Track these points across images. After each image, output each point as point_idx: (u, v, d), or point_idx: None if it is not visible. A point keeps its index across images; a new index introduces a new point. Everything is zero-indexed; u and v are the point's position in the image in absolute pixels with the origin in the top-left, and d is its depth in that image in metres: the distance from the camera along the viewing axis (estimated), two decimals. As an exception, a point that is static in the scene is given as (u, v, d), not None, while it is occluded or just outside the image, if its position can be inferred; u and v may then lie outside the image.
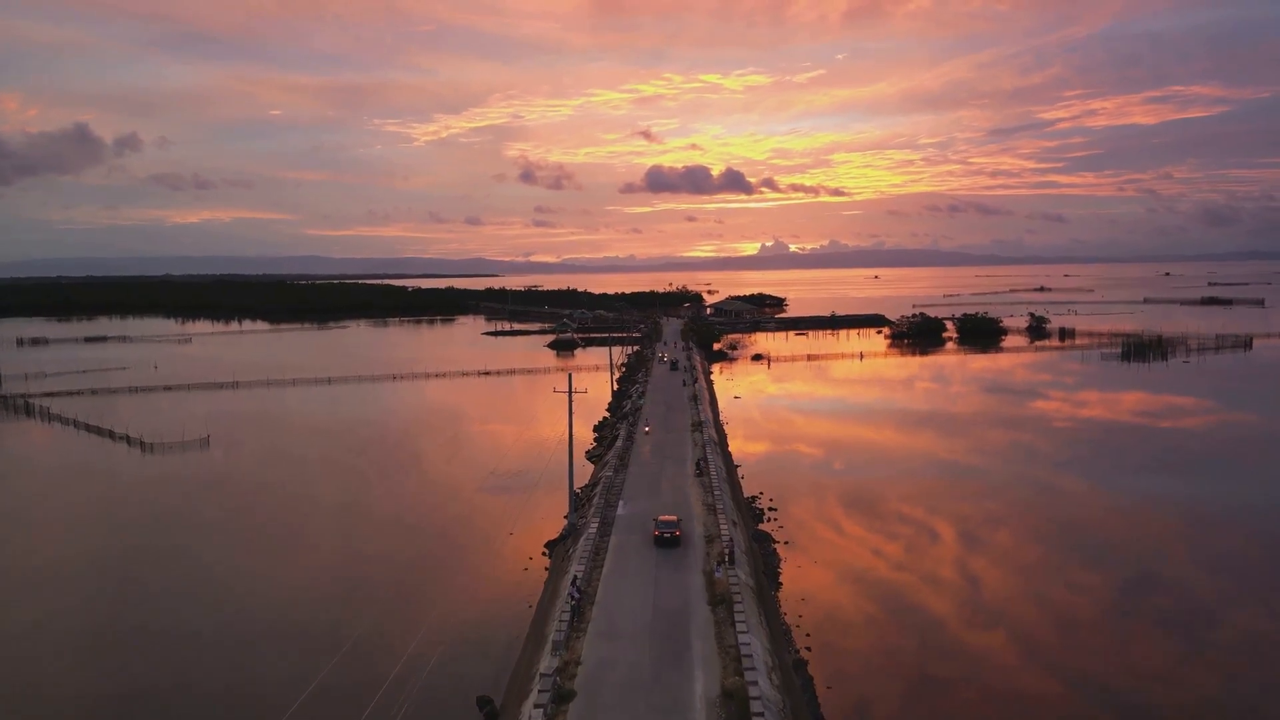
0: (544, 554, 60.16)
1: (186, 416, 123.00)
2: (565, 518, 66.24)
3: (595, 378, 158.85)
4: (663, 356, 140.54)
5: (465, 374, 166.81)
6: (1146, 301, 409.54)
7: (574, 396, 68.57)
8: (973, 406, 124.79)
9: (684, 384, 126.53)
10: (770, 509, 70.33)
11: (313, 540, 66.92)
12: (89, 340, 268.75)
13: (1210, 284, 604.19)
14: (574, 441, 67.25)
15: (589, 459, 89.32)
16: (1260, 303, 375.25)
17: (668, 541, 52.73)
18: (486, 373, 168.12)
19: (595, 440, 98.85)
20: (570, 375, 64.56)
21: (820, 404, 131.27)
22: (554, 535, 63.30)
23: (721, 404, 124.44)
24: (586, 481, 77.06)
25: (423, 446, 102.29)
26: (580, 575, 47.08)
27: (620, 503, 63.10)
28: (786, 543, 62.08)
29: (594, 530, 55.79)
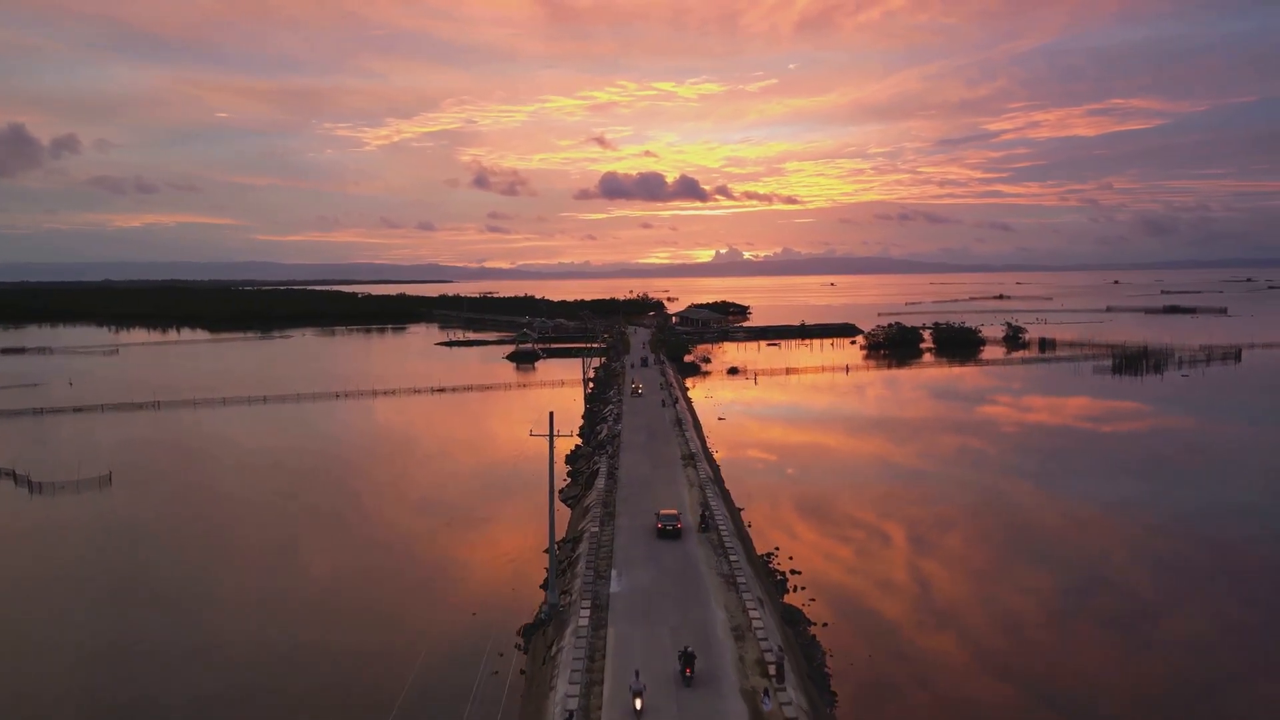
0: (518, 647, 46.71)
1: (93, 445, 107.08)
2: (543, 587, 53.11)
3: (560, 394, 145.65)
4: (638, 388, 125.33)
5: (417, 391, 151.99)
6: (1109, 310, 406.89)
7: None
8: (987, 423, 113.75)
9: (663, 404, 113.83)
10: (793, 571, 57.46)
11: (213, 627, 52.30)
12: (4, 352, 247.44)
13: (1163, 291, 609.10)
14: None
15: (564, 500, 75.94)
16: (1223, 311, 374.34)
17: (670, 533, 55.61)
18: (440, 389, 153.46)
19: (569, 475, 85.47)
20: (551, 415, 51.06)
21: (817, 425, 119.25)
22: (529, 614, 50.09)
23: (705, 425, 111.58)
24: (564, 534, 63.84)
25: (366, 484, 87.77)
26: (575, 707, 33.96)
27: (613, 573, 50.08)
28: (825, 624, 49.31)
29: (585, 620, 42.70)
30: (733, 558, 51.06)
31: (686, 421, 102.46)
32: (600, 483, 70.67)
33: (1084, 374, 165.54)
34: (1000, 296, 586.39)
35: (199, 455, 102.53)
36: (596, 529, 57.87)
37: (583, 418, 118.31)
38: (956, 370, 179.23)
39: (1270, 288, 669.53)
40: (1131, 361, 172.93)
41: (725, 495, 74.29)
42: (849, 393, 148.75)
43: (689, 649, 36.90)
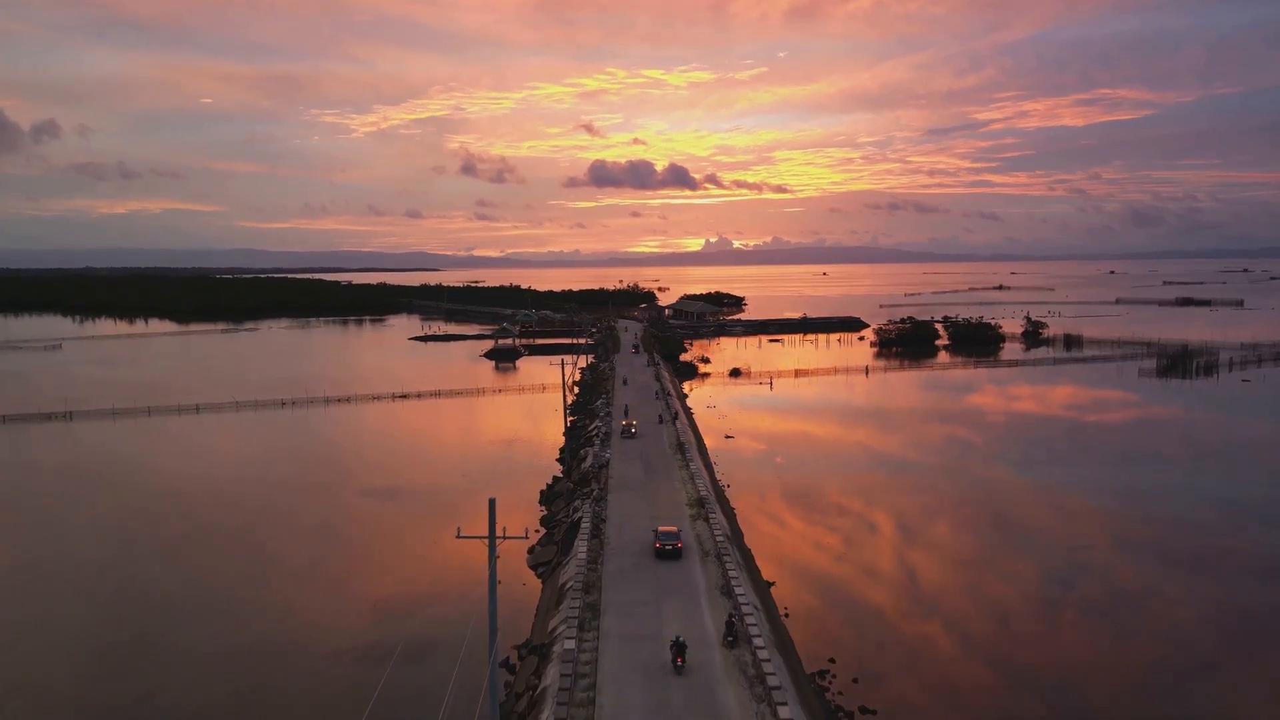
0: None
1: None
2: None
3: (542, 402, 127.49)
4: (632, 426, 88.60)
5: (377, 398, 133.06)
6: (1119, 302, 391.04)
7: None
8: (1074, 445, 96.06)
9: (660, 420, 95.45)
10: (864, 710, 38.94)
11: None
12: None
13: (1165, 282, 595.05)
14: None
15: (532, 566, 57.62)
16: (1239, 304, 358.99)
17: (669, 553, 50.57)
18: (404, 395, 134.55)
19: (543, 524, 66.93)
20: (492, 503, 32.37)
21: (854, 456, 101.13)
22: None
23: (710, 446, 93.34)
24: (525, 637, 45.53)
25: (278, 546, 68.03)
26: None
27: (596, 740, 31.82)
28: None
29: None
30: (780, 709, 32.81)
31: (690, 444, 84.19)
32: (582, 549, 52.19)
33: (1128, 376, 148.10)
34: (1000, 287, 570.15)
35: (89, 486, 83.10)
36: (573, 642, 39.43)
37: (564, 434, 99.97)
38: (985, 372, 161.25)
39: (1272, 279, 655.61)
40: (1178, 362, 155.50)
41: (748, 556, 56.21)
42: (878, 399, 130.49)
43: (680, 638, 37.21)
